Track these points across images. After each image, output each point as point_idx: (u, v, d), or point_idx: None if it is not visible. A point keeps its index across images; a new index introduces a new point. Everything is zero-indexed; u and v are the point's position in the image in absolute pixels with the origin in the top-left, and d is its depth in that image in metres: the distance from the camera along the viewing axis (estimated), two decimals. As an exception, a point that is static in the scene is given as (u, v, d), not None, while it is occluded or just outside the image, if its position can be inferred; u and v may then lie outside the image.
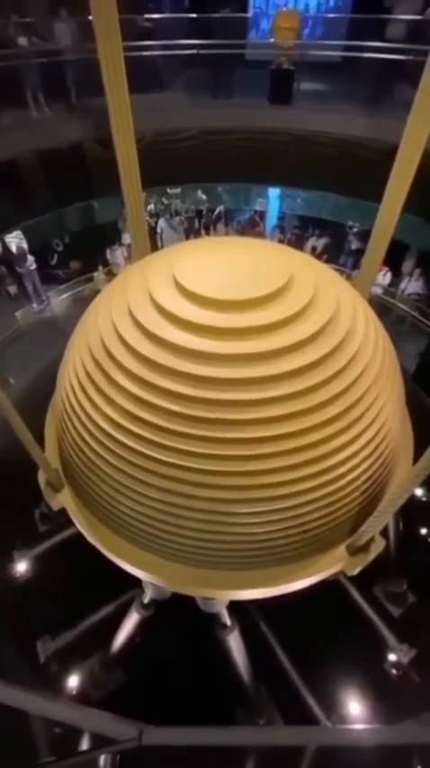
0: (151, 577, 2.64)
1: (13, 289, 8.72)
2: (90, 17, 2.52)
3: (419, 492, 6.01)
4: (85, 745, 1.51)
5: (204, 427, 2.16)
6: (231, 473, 2.18)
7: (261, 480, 2.18)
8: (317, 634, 4.69)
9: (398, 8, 8.64)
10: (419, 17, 8.17)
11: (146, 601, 3.73)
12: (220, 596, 2.82)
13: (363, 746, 1.55)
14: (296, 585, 2.56)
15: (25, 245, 8.70)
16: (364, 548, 2.58)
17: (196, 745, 1.44)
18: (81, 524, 2.82)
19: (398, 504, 2.35)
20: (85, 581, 4.71)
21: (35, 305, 8.75)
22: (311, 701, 4.53)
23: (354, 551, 2.59)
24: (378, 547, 2.60)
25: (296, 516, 2.29)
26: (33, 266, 8.56)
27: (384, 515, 2.42)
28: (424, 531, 5.94)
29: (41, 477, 2.93)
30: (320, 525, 2.39)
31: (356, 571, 2.63)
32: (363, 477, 2.40)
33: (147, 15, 9.64)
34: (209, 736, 1.46)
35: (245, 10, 11.23)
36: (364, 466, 2.38)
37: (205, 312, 2.31)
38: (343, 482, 2.31)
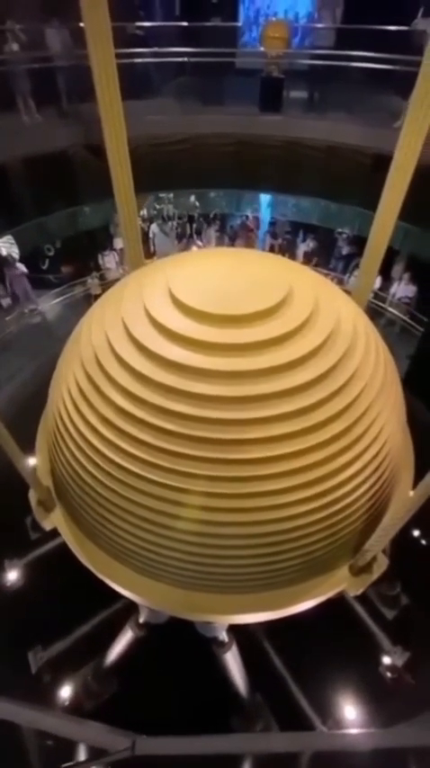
0: (146, 602, 2.55)
1: (5, 298, 8.64)
2: (82, 24, 2.53)
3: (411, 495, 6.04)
4: (77, 756, 1.49)
5: (200, 447, 2.08)
6: (230, 495, 2.10)
7: (260, 502, 2.10)
8: (310, 637, 4.66)
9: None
10: (406, 28, 8.35)
11: (141, 621, 3.65)
12: (219, 621, 2.75)
13: (359, 751, 1.55)
14: (298, 608, 2.48)
15: (16, 250, 8.65)
16: (367, 568, 2.52)
17: (190, 754, 1.42)
18: (73, 546, 2.72)
19: (402, 523, 2.29)
20: (77, 590, 4.64)
21: (26, 310, 8.69)
22: (306, 706, 4.51)
23: (357, 572, 2.53)
24: (381, 566, 2.53)
25: (297, 538, 2.21)
26: (23, 271, 8.50)
27: (387, 534, 2.36)
28: (416, 533, 5.98)
29: (32, 496, 2.83)
30: (323, 547, 2.31)
31: (359, 592, 2.56)
32: (366, 497, 2.33)
33: (138, 23, 9.71)
34: (201, 745, 1.45)
35: (235, 19, 11.39)
36: (367, 485, 2.30)
37: (202, 327, 2.24)
38: (345, 502, 2.24)
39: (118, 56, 2.63)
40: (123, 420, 2.21)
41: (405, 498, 2.42)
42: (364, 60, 8.57)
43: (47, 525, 2.85)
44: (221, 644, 3.61)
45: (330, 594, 2.53)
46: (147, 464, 2.15)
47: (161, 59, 9.61)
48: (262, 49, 9.66)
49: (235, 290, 2.41)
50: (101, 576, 2.60)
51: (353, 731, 3.98)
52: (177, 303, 2.36)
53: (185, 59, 9.38)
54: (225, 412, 2.09)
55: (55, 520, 2.84)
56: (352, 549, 2.51)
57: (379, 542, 2.39)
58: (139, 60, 9.20)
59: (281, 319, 2.29)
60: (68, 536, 2.76)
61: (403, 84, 2.70)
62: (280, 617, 2.49)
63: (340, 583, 2.52)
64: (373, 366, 2.41)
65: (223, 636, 3.52)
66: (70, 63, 8.27)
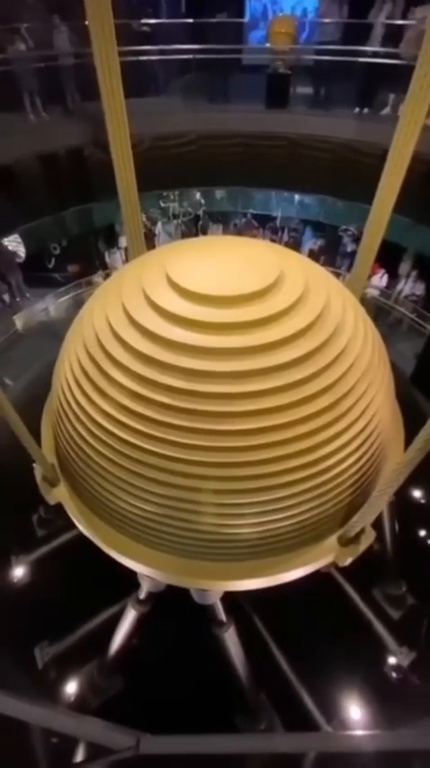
0: (146, 569, 2.67)
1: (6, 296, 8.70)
2: (86, 22, 2.52)
3: (417, 494, 6.01)
4: (81, 754, 1.49)
5: (198, 420, 2.20)
6: (224, 464, 2.22)
7: (253, 471, 2.22)
8: (316, 637, 4.67)
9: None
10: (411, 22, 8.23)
11: (142, 596, 3.74)
12: (215, 587, 2.84)
13: (364, 752, 1.54)
14: (288, 576, 2.59)
15: (22, 249, 8.70)
16: (355, 539, 2.62)
17: (194, 753, 1.42)
18: (76, 518, 2.85)
19: (388, 495, 2.39)
20: (82, 586, 4.69)
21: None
22: (311, 706, 4.51)
23: (346, 542, 2.63)
24: (368, 538, 2.64)
25: (288, 507, 2.33)
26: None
27: (374, 507, 2.46)
28: (422, 533, 5.93)
29: (38, 471, 2.95)
30: (312, 516, 2.43)
31: (347, 562, 2.66)
32: (353, 469, 2.45)
33: (144, 20, 9.68)
34: (206, 745, 1.45)
35: (241, 15, 11.31)
36: (354, 458, 2.42)
37: (198, 308, 2.35)
38: (333, 473, 2.36)
39: (124, 53, 2.67)
40: (123, 396, 2.33)
41: (391, 470, 2.49)
42: (371, 56, 8.48)
43: (51, 500, 2.97)
44: (221, 623, 3.68)
45: (320, 563, 2.64)
46: (145, 437, 2.27)
47: (167, 56, 9.57)
48: (268, 45, 9.59)
49: (229, 273, 2.52)
50: (101, 546, 2.72)
51: (359, 732, 3.97)
52: (174, 285, 2.47)
53: (191, 56, 9.34)
54: (219, 386, 2.21)
55: (59, 495, 2.96)
56: (341, 519, 2.63)
57: (367, 514, 2.49)
58: (145, 58, 9.17)
59: (273, 300, 2.40)
60: (72, 509, 2.89)
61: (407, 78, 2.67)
62: (273, 584, 2.60)
63: (329, 552, 2.63)
64: (361, 344, 2.51)
65: (221, 613, 3.59)
66: (75, 61, 8.27)
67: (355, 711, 4.57)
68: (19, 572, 5.43)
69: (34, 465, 2.89)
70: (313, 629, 4.60)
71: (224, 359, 2.24)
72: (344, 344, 2.40)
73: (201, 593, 3.18)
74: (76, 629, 5.02)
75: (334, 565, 2.73)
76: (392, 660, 4.83)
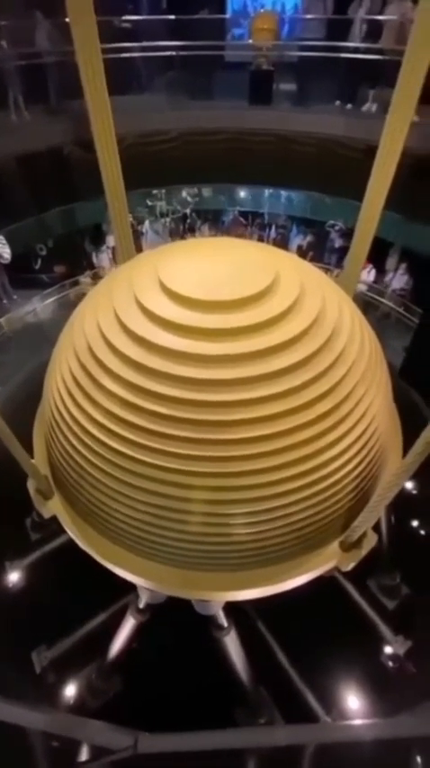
0: (144, 582, 2.62)
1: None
2: (67, 19, 2.49)
3: (409, 485, 6.08)
4: (80, 755, 1.49)
5: (193, 429, 2.15)
6: (221, 474, 2.17)
7: (251, 481, 2.18)
8: (312, 628, 4.71)
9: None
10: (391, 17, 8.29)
11: (141, 606, 3.70)
12: (215, 598, 2.81)
13: (363, 741, 1.56)
14: (290, 584, 2.56)
15: (8, 250, 8.56)
16: (357, 543, 2.59)
17: (193, 750, 1.43)
18: (72, 531, 2.79)
19: (388, 498, 2.37)
20: (79, 588, 4.66)
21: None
22: (309, 697, 4.55)
23: (347, 547, 2.60)
24: (370, 542, 2.61)
25: (287, 515, 2.28)
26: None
27: (375, 511, 2.43)
28: (415, 523, 6.02)
29: (31, 484, 2.89)
30: (312, 523, 2.39)
31: (350, 567, 2.64)
32: (353, 474, 2.41)
33: (125, 17, 9.59)
34: (205, 741, 1.45)
35: (223, 11, 11.26)
36: (354, 463, 2.39)
37: (191, 314, 2.30)
38: (333, 479, 2.32)
39: (105, 50, 2.61)
40: (116, 405, 2.27)
41: (391, 474, 2.47)
42: (354, 51, 8.52)
43: (45, 513, 2.91)
44: (220, 627, 3.65)
45: (322, 570, 2.61)
46: (140, 447, 2.22)
47: (149, 54, 9.50)
48: (250, 41, 9.57)
49: (222, 276, 2.47)
50: (98, 559, 2.67)
51: (357, 722, 4.02)
52: (166, 291, 2.41)
53: (174, 53, 9.28)
54: (214, 394, 2.16)
55: (53, 507, 2.90)
56: (342, 525, 2.60)
57: (367, 518, 2.46)
58: (127, 55, 9.09)
59: (267, 304, 2.35)
60: (67, 522, 2.82)
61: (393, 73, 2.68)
62: (275, 592, 2.56)
63: (331, 558, 2.59)
64: (358, 348, 2.47)
65: (222, 619, 3.57)
66: (57, 59, 8.15)
67: (353, 701, 4.63)
68: (14, 576, 5.38)
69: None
70: (309, 622, 4.63)
71: (219, 366, 2.19)
72: (341, 347, 2.37)
73: (202, 603, 3.14)
74: (73, 633, 4.99)
75: (335, 570, 2.70)
76: (388, 649, 4.90)
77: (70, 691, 4.75)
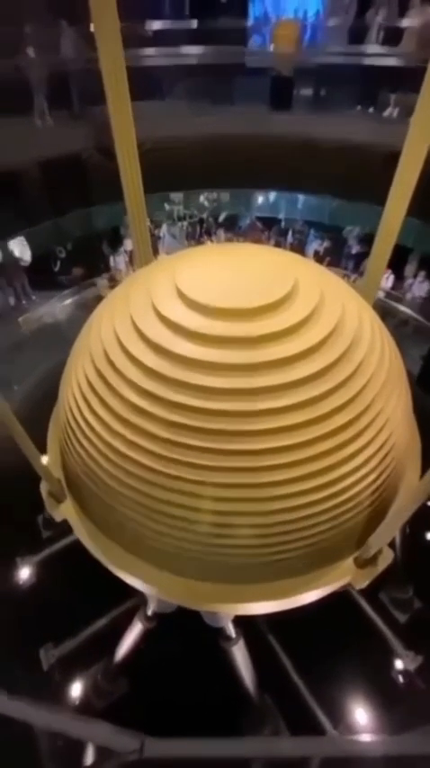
0: (154, 591, 2.59)
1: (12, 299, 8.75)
2: (92, 27, 2.53)
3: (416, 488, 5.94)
4: (86, 756, 1.49)
5: (209, 439, 2.11)
6: (238, 485, 2.13)
7: (267, 493, 2.13)
8: (322, 641, 4.64)
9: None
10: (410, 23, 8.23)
11: (149, 613, 3.68)
12: (227, 611, 2.77)
13: (369, 757, 1.52)
14: (303, 599, 2.50)
15: (28, 252, 8.75)
16: (372, 560, 2.52)
17: (198, 757, 1.41)
18: (83, 536, 2.77)
19: (406, 516, 2.30)
20: (88, 588, 4.68)
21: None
22: (317, 710, 4.48)
23: (362, 564, 2.53)
24: (386, 559, 2.53)
25: (303, 528, 2.23)
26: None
27: (392, 527, 2.36)
28: (429, 536, 5.88)
29: (44, 487, 2.89)
30: (328, 537, 2.33)
31: (364, 584, 2.56)
32: (371, 488, 2.35)
33: (148, 23, 9.74)
34: (210, 748, 1.44)
35: (245, 18, 11.33)
36: (372, 477, 2.32)
37: (209, 321, 2.27)
38: (350, 493, 2.26)
39: (128, 57, 2.64)
40: (133, 413, 2.25)
41: (409, 491, 2.42)
42: (375, 56, 8.48)
43: (57, 516, 2.90)
44: (228, 638, 3.61)
45: (336, 586, 2.54)
46: (156, 456, 2.19)
47: (171, 59, 9.62)
48: (271, 48, 9.62)
49: (241, 284, 2.44)
50: (109, 566, 2.65)
51: (364, 737, 3.93)
52: (184, 298, 2.39)
53: (196, 59, 9.39)
54: (231, 403, 2.13)
55: (65, 511, 2.89)
56: (357, 540, 2.53)
57: (384, 535, 2.40)
58: (150, 61, 9.23)
59: (286, 313, 2.31)
60: (78, 527, 2.81)
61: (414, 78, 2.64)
62: (286, 608, 2.50)
63: (345, 574, 2.53)
64: (378, 359, 2.41)
65: (230, 630, 3.53)
66: (81, 66, 8.33)
67: (361, 715, 4.53)
68: (24, 574, 5.44)
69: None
70: (319, 633, 4.56)
71: (236, 375, 2.15)
72: (361, 358, 2.30)
73: (211, 614, 3.11)
74: (81, 631, 5.01)
75: (349, 586, 2.63)
76: (399, 664, 4.78)
77: (76, 690, 4.77)
